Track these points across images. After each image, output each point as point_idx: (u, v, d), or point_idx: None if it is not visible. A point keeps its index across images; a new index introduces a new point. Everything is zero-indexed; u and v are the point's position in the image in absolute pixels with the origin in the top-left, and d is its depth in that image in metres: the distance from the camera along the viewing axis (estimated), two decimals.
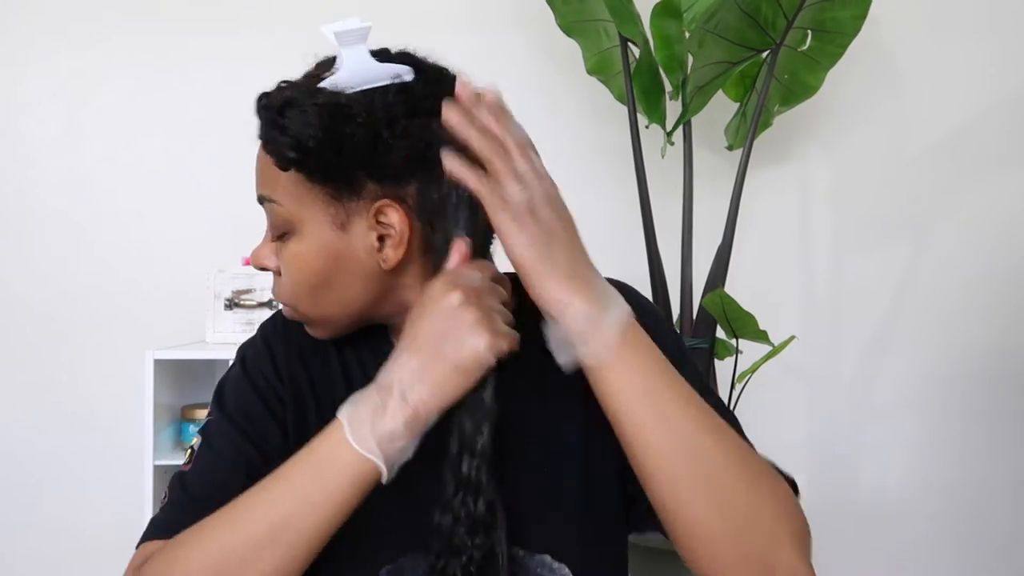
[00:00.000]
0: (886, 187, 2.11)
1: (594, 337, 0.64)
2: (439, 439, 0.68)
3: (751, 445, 0.72)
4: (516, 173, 0.65)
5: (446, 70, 0.73)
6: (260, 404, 0.76)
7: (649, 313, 0.79)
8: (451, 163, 0.65)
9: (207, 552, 0.64)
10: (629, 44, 1.77)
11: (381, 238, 0.70)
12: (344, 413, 0.65)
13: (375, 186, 0.69)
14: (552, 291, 0.64)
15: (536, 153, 0.69)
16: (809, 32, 1.71)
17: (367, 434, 0.63)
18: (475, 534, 0.66)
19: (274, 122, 0.65)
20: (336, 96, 0.67)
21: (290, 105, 0.65)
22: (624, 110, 1.80)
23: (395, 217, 0.69)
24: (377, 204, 0.69)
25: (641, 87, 1.76)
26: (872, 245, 2.11)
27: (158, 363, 1.70)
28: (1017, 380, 2.09)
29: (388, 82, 0.68)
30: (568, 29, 1.82)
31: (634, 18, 1.68)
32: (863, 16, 1.65)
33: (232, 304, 1.85)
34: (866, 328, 2.12)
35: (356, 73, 0.68)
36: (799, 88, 1.83)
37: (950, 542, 2.11)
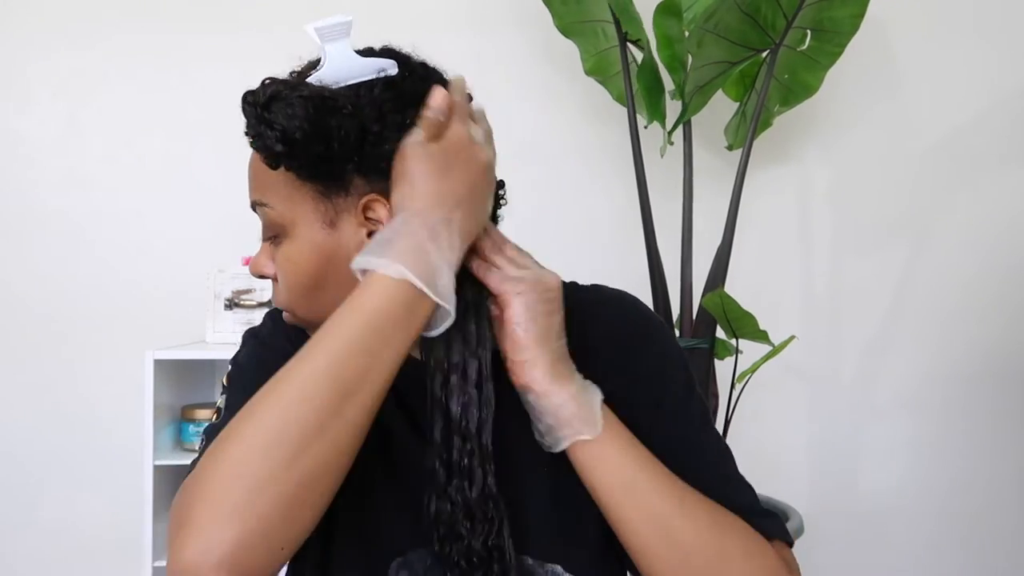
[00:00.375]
0: (886, 187, 2.11)
1: (582, 416, 0.68)
2: (446, 432, 0.69)
3: (733, 525, 0.72)
4: (516, 262, 0.71)
5: (430, 65, 0.73)
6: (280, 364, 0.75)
7: (663, 341, 0.80)
8: (478, 269, 0.70)
9: (262, 419, 0.59)
10: (629, 44, 1.77)
11: (370, 234, 0.70)
12: (389, 261, 0.63)
13: (362, 181, 0.68)
14: (539, 380, 0.68)
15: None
16: (808, 32, 1.71)
17: (441, 269, 0.63)
18: (472, 519, 0.66)
19: (260, 117, 0.65)
20: (321, 89, 0.67)
21: (275, 99, 0.65)
22: (623, 110, 1.80)
23: (383, 212, 0.69)
24: (364, 199, 0.69)
25: (644, 86, 1.76)
26: (872, 245, 2.11)
27: (158, 363, 1.70)
28: (1017, 380, 2.09)
29: (373, 76, 0.68)
30: (566, 30, 1.82)
31: (637, 17, 1.68)
32: (861, 15, 1.65)
33: (232, 304, 1.85)
34: (866, 328, 2.12)
35: (340, 68, 0.68)
36: (798, 88, 1.83)
37: (950, 542, 2.11)
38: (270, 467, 0.57)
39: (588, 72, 1.88)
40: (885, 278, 2.12)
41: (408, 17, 2.03)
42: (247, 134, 0.67)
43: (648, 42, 1.73)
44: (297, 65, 0.73)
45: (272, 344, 0.77)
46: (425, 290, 0.62)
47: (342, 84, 0.68)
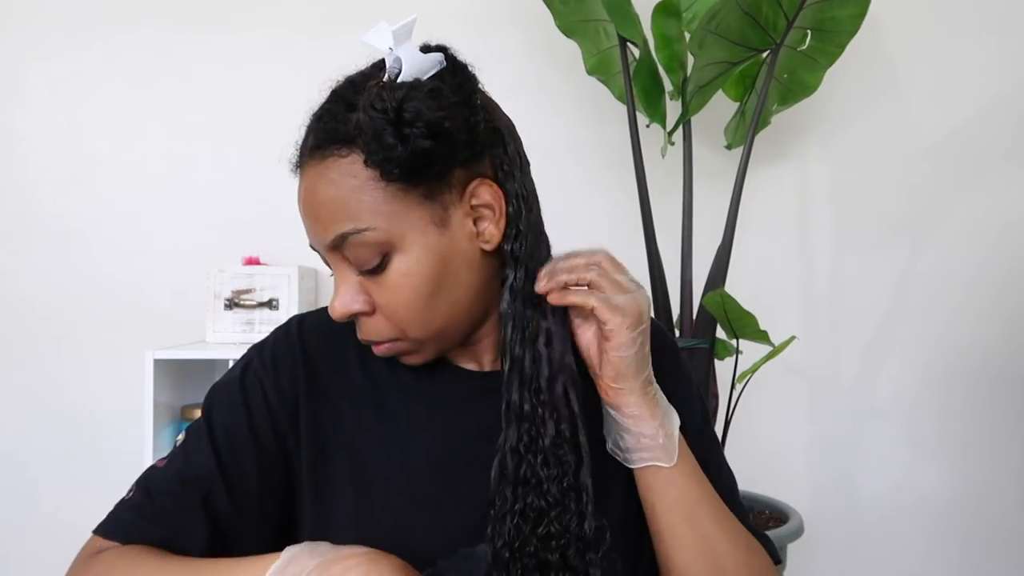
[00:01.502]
0: (886, 186, 2.11)
1: (665, 447, 0.73)
2: (469, 444, 0.71)
3: (758, 548, 0.79)
4: (621, 286, 0.71)
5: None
6: (245, 425, 0.74)
7: (684, 363, 0.86)
8: (556, 297, 0.71)
9: None
10: (628, 44, 1.77)
11: (475, 221, 0.71)
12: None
13: (460, 171, 0.69)
14: (632, 405, 0.72)
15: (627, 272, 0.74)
16: (809, 32, 1.71)
17: None
18: (550, 465, 0.69)
19: (397, 120, 0.63)
20: (425, 83, 0.66)
21: (407, 100, 0.64)
22: (624, 110, 1.80)
23: (488, 194, 0.70)
24: (471, 187, 0.69)
25: (641, 87, 1.76)
26: (872, 245, 2.11)
27: (158, 363, 1.70)
28: (1017, 380, 2.09)
29: (438, 69, 0.68)
30: (567, 30, 1.82)
31: (633, 18, 1.68)
32: (862, 15, 1.65)
33: (232, 304, 1.85)
34: (866, 328, 2.12)
35: (415, 65, 0.67)
36: (797, 87, 1.83)
37: (950, 542, 2.11)
38: None
39: (590, 72, 1.88)
40: (885, 278, 2.12)
41: (407, 16, 2.02)
42: (377, 146, 0.64)
43: (645, 42, 1.73)
44: (348, 75, 0.72)
45: (252, 383, 0.76)
46: None
47: (420, 80, 0.67)
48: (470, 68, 0.70)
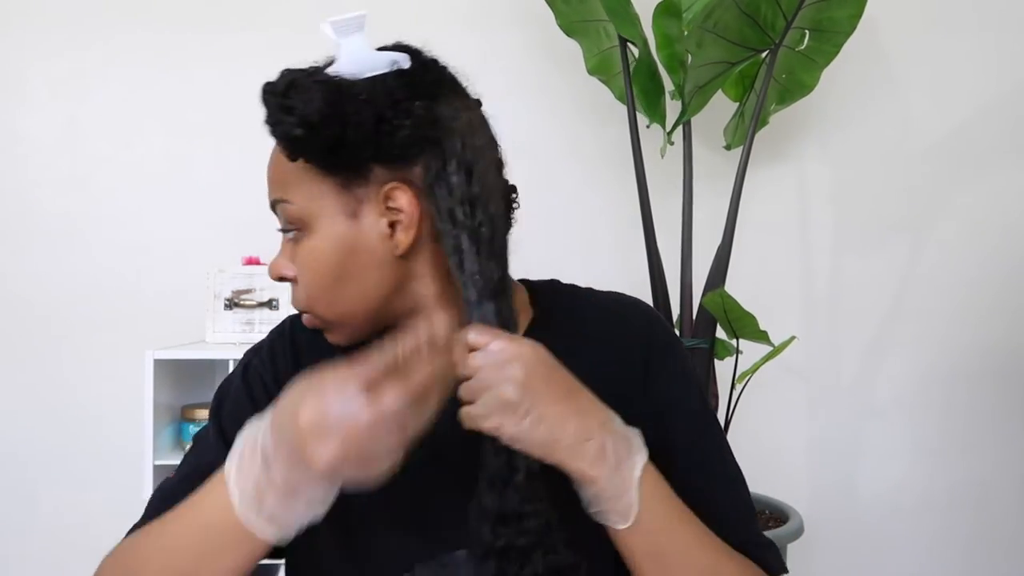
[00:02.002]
0: (886, 186, 2.11)
1: (612, 516, 0.67)
2: (442, 448, 0.69)
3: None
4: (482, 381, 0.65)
5: (441, 62, 0.74)
6: (251, 415, 0.74)
7: (672, 353, 0.81)
8: (466, 419, 0.66)
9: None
10: (628, 44, 1.77)
11: (392, 224, 0.70)
12: (230, 477, 0.64)
13: (382, 170, 0.69)
14: (573, 471, 0.66)
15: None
16: (807, 32, 1.71)
17: (252, 513, 0.62)
18: (529, 501, 0.65)
19: (280, 104, 0.66)
20: (336, 76, 0.68)
21: (293, 86, 0.66)
22: (623, 110, 1.80)
23: (404, 199, 0.69)
24: (386, 188, 0.69)
25: (640, 87, 1.76)
26: (872, 244, 2.11)
27: (158, 363, 1.70)
28: (1018, 380, 2.09)
29: (387, 70, 0.69)
30: (569, 29, 1.82)
31: (632, 18, 1.68)
32: (859, 15, 1.65)
33: (232, 304, 1.85)
34: (866, 328, 2.12)
35: (355, 61, 0.69)
36: (795, 87, 1.83)
37: (951, 542, 2.11)
38: None
39: (591, 71, 1.88)
40: (885, 277, 2.12)
41: (409, 16, 2.02)
42: (267, 122, 0.68)
43: (645, 42, 1.73)
44: (314, 62, 0.73)
45: (254, 381, 0.78)
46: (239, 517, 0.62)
47: (357, 77, 0.69)
48: (448, 76, 0.71)
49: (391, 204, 0.69)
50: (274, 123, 0.67)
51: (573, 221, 2.08)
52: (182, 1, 2.05)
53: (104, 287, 2.04)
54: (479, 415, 0.64)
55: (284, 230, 0.74)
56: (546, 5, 1.79)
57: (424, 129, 0.68)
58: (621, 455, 0.66)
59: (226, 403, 0.78)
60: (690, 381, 0.80)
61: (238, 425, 0.73)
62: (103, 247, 2.04)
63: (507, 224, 0.77)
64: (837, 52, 1.74)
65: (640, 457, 0.68)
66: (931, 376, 2.10)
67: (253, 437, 0.63)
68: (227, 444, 0.72)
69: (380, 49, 0.71)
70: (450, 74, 0.73)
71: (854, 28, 1.67)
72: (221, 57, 2.04)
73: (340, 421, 0.58)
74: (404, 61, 0.70)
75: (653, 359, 0.77)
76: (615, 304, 0.82)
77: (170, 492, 0.74)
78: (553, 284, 0.84)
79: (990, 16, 2.09)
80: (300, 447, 0.59)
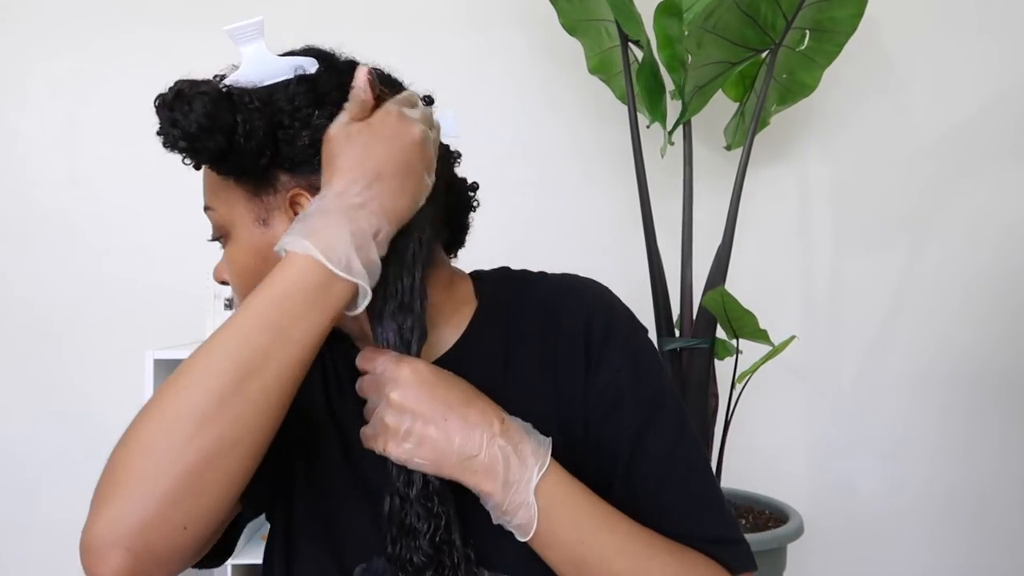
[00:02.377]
0: (886, 186, 2.11)
1: (512, 520, 0.66)
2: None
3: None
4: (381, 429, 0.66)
5: (357, 63, 0.73)
6: None
7: (618, 338, 0.76)
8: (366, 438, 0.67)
9: (165, 399, 0.60)
10: (630, 43, 1.77)
11: None
12: (299, 239, 0.62)
13: (288, 177, 0.69)
14: (468, 485, 0.66)
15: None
16: (807, 32, 1.71)
17: (348, 246, 0.61)
18: (418, 516, 0.65)
19: (166, 116, 0.67)
20: (223, 86, 0.68)
21: (178, 97, 0.67)
22: (623, 109, 1.80)
23: (306, 205, 0.69)
24: (290, 193, 0.69)
25: (644, 86, 1.76)
26: (872, 244, 2.11)
27: (158, 363, 1.70)
28: (1018, 380, 2.09)
29: (290, 76, 0.69)
30: (571, 28, 1.82)
31: (636, 17, 1.68)
32: (860, 15, 1.65)
33: (232, 304, 1.85)
34: (866, 328, 2.12)
35: (256, 69, 0.69)
36: (796, 87, 1.83)
37: (950, 542, 2.11)
38: (170, 443, 0.57)
39: (592, 71, 1.88)
40: (885, 277, 2.12)
41: (409, 16, 2.02)
42: (157, 134, 0.68)
43: (648, 42, 1.73)
44: (219, 70, 0.74)
45: None
46: (329, 266, 0.61)
47: (259, 85, 0.69)
48: (350, 75, 0.69)
49: (298, 210, 0.70)
50: (163, 135, 0.68)
51: (573, 221, 2.08)
52: (182, 1, 2.05)
53: (104, 287, 2.04)
54: (369, 436, 0.66)
55: (212, 239, 0.75)
56: (548, 4, 1.79)
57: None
58: (513, 467, 0.65)
59: None
60: (640, 366, 0.75)
61: None
62: (103, 247, 2.04)
63: (463, 226, 0.79)
64: (838, 52, 1.73)
65: (537, 466, 0.66)
66: (931, 376, 2.10)
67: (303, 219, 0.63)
68: None
69: (287, 54, 0.71)
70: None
71: (855, 28, 1.67)
72: (221, 57, 2.04)
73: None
74: (310, 66, 0.70)
75: (594, 346, 0.74)
76: (563, 288, 0.78)
77: None
78: (502, 272, 0.82)
79: (991, 16, 2.09)
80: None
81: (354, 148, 0.64)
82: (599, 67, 1.87)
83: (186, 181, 2.04)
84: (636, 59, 1.80)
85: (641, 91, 1.77)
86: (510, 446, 0.66)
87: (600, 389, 0.73)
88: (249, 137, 0.66)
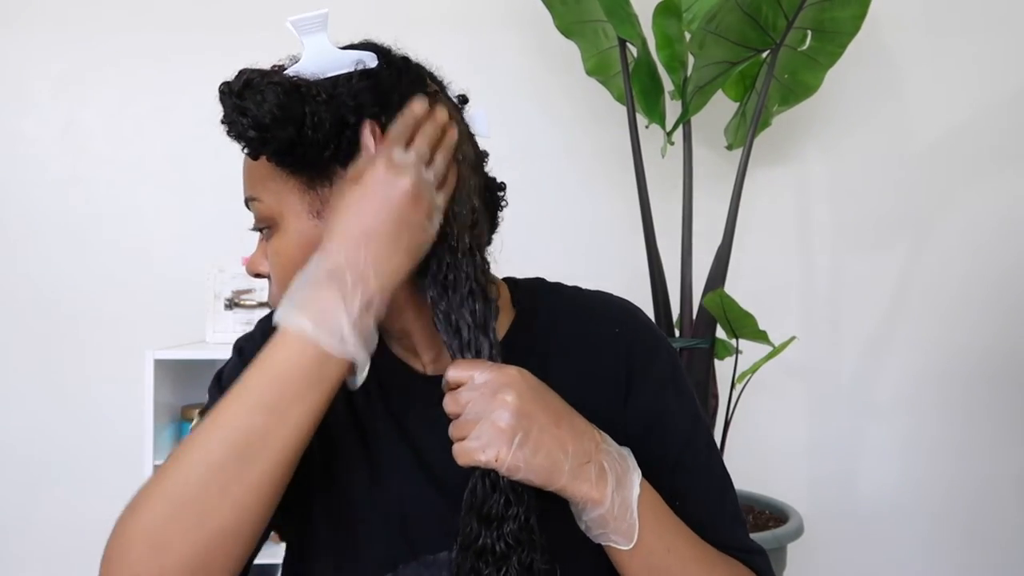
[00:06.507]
0: (886, 186, 2.11)
1: (617, 528, 0.66)
2: (428, 455, 0.69)
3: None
4: (465, 426, 0.65)
5: (412, 60, 0.73)
6: None
7: (659, 358, 0.77)
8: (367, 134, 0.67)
9: (166, 483, 0.60)
10: (628, 44, 1.77)
11: None
12: (294, 314, 0.61)
13: (343, 170, 0.68)
14: (575, 495, 0.65)
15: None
16: (809, 32, 1.71)
17: (342, 324, 0.60)
18: (512, 503, 0.64)
19: (234, 105, 0.66)
20: (294, 78, 0.67)
21: (248, 87, 0.66)
22: (623, 110, 1.80)
23: None
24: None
25: (640, 87, 1.76)
26: (872, 245, 2.11)
27: (158, 363, 1.70)
28: (1017, 380, 2.09)
29: (351, 69, 0.68)
30: (567, 30, 1.82)
31: (630, 18, 1.68)
32: (862, 16, 1.65)
33: (232, 304, 1.85)
34: (866, 328, 2.12)
35: (318, 61, 0.68)
36: (798, 88, 1.83)
37: (949, 542, 2.11)
38: (172, 535, 0.58)
39: (589, 72, 1.87)
40: (885, 277, 2.12)
41: (408, 17, 2.03)
42: (223, 122, 0.68)
43: (644, 42, 1.73)
44: (280, 60, 0.73)
45: (252, 359, 0.76)
46: (323, 347, 0.60)
47: (320, 76, 0.68)
48: (417, 76, 0.70)
49: None
50: (229, 123, 0.67)
51: (573, 222, 2.08)
52: (182, 1, 2.05)
53: (104, 287, 2.04)
54: (475, 448, 0.63)
55: (255, 228, 0.74)
56: (543, 6, 1.79)
57: None
58: (620, 474, 0.66)
59: (229, 382, 0.77)
60: (680, 386, 0.77)
61: None
62: (103, 247, 2.04)
63: (491, 222, 0.77)
64: (841, 53, 1.73)
65: (636, 475, 0.67)
66: (930, 376, 2.11)
67: (300, 285, 0.63)
68: None
69: (347, 47, 0.71)
70: (420, 74, 0.72)
71: (858, 29, 1.67)
72: (221, 57, 2.04)
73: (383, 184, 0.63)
74: (370, 60, 0.69)
75: (637, 366, 0.75)
76: (600, 305, 0.79)
77: None
78: (537, 282, 0.82)
79: (993, 18, 2.09)
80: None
81: (347, 208, 0.64)
82: (596, 68, 1.87)
83: (186, 181, 2.06)
84: (634, 59, 1.79)
85: (638, 92, 1.76)
86: (613, 452, 0.67)
87: (641, 411, 0.74)
88: (317, 130, 0.66)
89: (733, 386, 1.73)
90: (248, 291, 1.86)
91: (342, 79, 0.68)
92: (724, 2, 1.57)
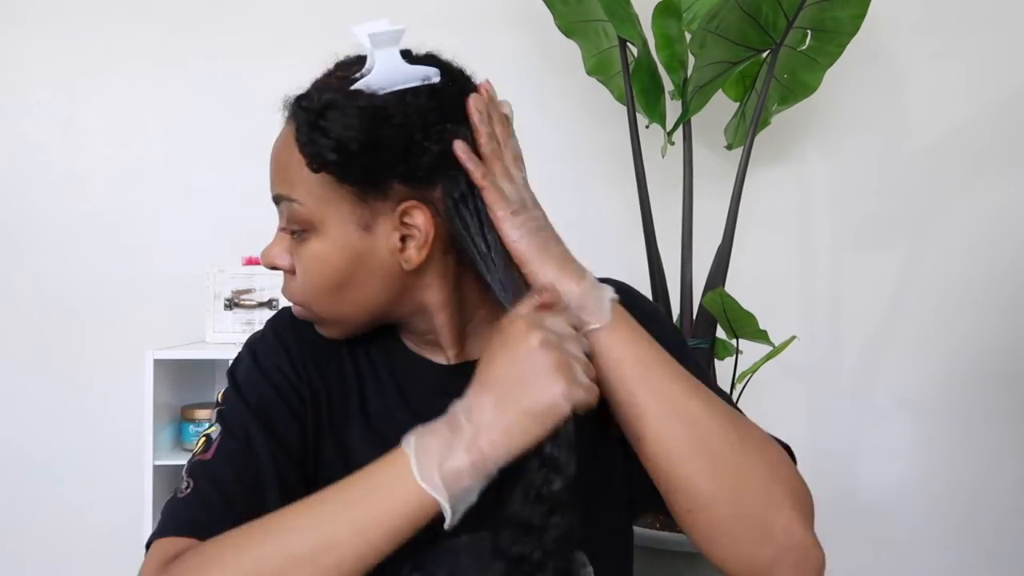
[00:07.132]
0: (886, 186, 2.11)
1: (592, 307, 0.70)
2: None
3: (745, 417, 0.76)
4: (510, 175, 0.72)
5: (467, 73, 0.75)
6: (278, 399, 0.74)
7: (652, 315, 0.82)
8: (462, 151, 0.69)
9: (244, 561, 0.61)
10: (628, 44, 1.77)
11: (403, 238, 0.70)
12: (410, 444, 0.63)
13: (402, 187, 0.69)
14: (550, 274, 0.70)
15: (524, 169, 0.76)
16: (809, 32, 1.71)
17: (433, 470, 0.61)
18: (554, 512, 0.64)
19: (315, 124, 0.65)
20: (374, 98, 0.67)
21: (331, 107, 0.65)
22: (623, 110, 1.80)
23: (420, 218, 0.70)
24: (403, 205, 0.69)
25: (640, 87, 1.76)
26: (872, 244, 2.11)
27: (158, 363, 1.70)
28: (1017, 380, 2.09)
29: (418, 83, 0.69)
30: (567, 30, 1.82)
31: (630, 18, 1.68)
32: (862, 16, 1.65)
33: (232, 304, 1.85)
34: (866, 328, 2.12)
35: (388, 75, 0.68)
36: (797, 87, 1.83)
37: (949, 542, 2.11)
38: None
39: (590, 72, 1.87)
40: (885, 278, 2.12)
41: (408, 17, 2.02)
42: (299, 139, 0.67)
43: (645, 42, 1.73)
44: (330, 63, 0.73)
45: (269, 366, 0.76)
46: (450, 518, 0.62)
47: (387, 90, 0.68)
48: (474, 86, 0.72)
49: (407, 220, 0.70)
50: (307, 142, 0.66)
51: (573, 221, 2.06)
52: (182, 1, 2.05)
53: (104, 287, 2.04)
54: (497, 190, 0.71)
55: (288, 229, 0.73)
56: (544, 6, 1.79)
57: (448, 152, 0.69)
58: (599, 284, 0.74)
59: (247, 387, 0.75)
60: (683, 343, 0.83)
61: (265, 410, 0.73)
62: (103, 247, 2.04)
63: None
64: (840, 52, 1.73)
65: (612, 293, 0.73)
66: (931, 376, 2.10)
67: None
68: (266, 427, 0.72)
69: (412, 60, 0.71)
70: (472, 87, 0.74)
71: (857, 28, 1.67)
72: (221, 57, 2.04)
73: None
74: (435, 76, 0.70)
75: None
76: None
77: (233, 478, 0.70)
78: None
79: (992, 18, 2.09)
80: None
81: (488, 356, 0.66)
82: (597, 68, 1.87)
83: (186, 181, 2.05)
84: (634, 59, 1.79)
85: (638, 92, 1.77)
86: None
87: None
88: (391, 152, 0.67)
89: (733, 386, 1.73)
90: (248, 291, 1.86)
91: (409, 95, 0.69)
92: (724, 2, 1.57)
